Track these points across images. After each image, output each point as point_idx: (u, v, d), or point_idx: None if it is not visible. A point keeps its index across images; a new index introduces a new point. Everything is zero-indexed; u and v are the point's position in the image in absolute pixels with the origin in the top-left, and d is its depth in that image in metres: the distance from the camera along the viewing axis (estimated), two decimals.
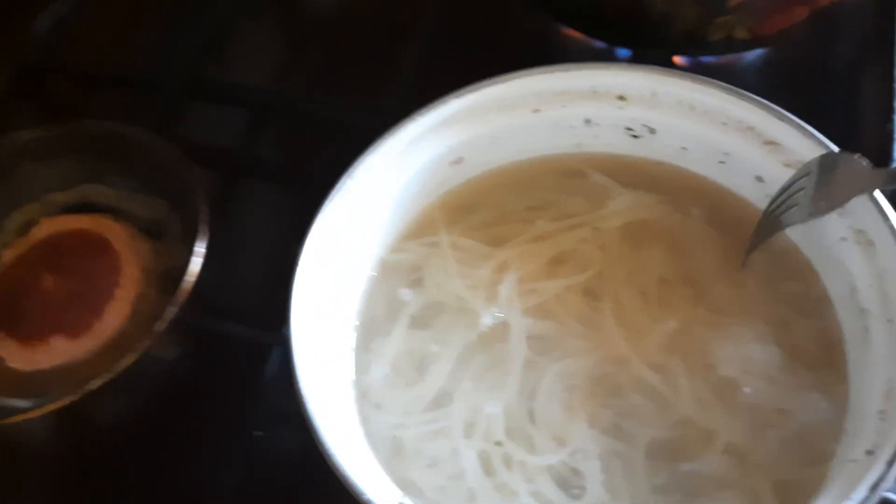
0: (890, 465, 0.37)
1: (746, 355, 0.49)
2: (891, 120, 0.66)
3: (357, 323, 0.52)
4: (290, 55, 0.81)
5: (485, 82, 0.53)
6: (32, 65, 0.76)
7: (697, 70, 0.55)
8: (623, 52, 0.69)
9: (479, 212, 0.56)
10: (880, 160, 0.64)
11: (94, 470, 0.60)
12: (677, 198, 0.55)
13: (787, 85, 0.68)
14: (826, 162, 0.48)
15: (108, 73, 0.77)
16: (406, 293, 0.53)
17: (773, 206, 0.50)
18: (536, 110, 0.55)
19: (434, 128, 0.53)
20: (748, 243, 0.52)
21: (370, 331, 0.52)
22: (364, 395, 0.50)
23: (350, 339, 0.51)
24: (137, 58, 0.79)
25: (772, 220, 0.51)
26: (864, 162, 0.47)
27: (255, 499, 0.57)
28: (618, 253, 0.54)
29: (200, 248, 0.58)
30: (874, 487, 0.37)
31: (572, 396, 0.49)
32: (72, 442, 0.59)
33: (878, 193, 0.46)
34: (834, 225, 0.48)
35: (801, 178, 0.49)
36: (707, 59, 0.67)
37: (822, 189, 0.47)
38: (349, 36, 0.78)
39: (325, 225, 0.49)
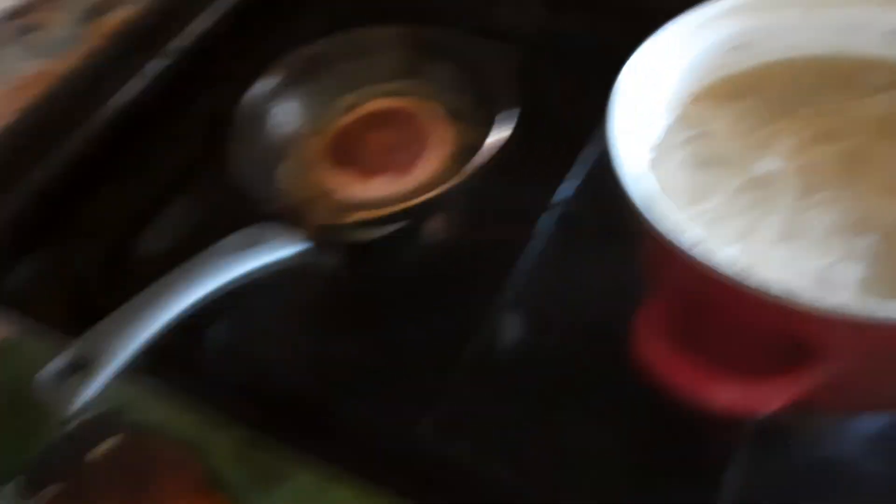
0: None
1: None
2: None
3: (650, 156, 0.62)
4: None
5: None
6: None
7: None
8: None
9: (753, 97, 0.65)
10: None
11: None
12: None
13: None
14: None
15: None
16: (693, 143, 0.63)
17: None
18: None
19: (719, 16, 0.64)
20: None
21: (657, 165, 0.62)
22: None
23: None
24: None
25: None
26: None
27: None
28: (876, 135, 0.61)
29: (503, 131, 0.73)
30: None
31: (831, 229, 0.56)
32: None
33: None
34: None
35: None
36: None
37: None
38: None
39: (628, 80, 0.59)
